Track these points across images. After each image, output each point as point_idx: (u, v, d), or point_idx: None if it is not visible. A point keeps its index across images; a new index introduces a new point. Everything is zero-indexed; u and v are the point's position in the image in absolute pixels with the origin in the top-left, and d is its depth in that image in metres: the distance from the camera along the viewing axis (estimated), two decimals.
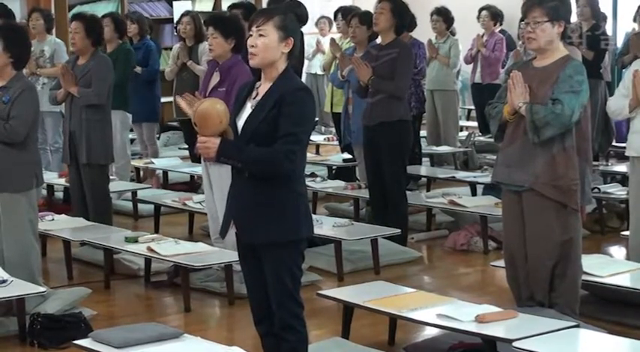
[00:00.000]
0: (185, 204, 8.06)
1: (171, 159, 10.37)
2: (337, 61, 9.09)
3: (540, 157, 5.26)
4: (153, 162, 9.99)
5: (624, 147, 6.49)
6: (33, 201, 5.96)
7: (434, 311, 5.03)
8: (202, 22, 9.60)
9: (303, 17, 4.33)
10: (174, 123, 11.96)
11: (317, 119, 12.41)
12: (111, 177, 8.24)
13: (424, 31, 10.68)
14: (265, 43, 4.12)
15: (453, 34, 11.36)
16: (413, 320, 5.15)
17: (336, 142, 10.86)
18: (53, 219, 7.37)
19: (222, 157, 4.11)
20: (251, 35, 4.17)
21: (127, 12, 12.66)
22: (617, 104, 6.23)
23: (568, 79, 5.20)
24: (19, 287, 5.58)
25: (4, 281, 5.58)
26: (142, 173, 10.36)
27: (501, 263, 5.77)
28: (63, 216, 7.55)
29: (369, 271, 7.01)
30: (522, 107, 5.22)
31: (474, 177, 9.21)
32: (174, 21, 12.92)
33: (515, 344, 4.46)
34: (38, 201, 6.27)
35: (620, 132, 10.65)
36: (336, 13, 11.14)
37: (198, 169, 8.85)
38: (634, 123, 6.22)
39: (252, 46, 4.14)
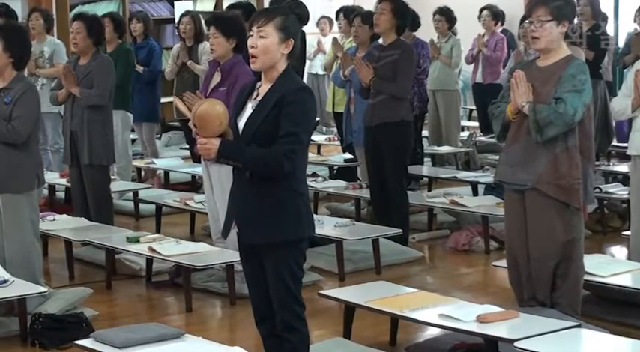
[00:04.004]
0: (186, 204, 8.06)
1: (172, 159, 10.38)
2: (339, 61, 9.10)
3: (543, 156, 5.26)
4: (154, 162, 10.00)
5: (626, 147, 6.49)
6: (34, 202, 5.96)
7: (435, 311, 5.03)
8: (202, 22, 9.62)
9: (303, 17, 4.32)
10: (176, 123, 11.97)
11: (318, 119, 12.42)
12: (112, 177, 8.25)
13: (426, 31, 10.68)
14: (265, 44, 4.12)
15: (455, 33, 11.37)
16: (414, 320, 5.15)
17: (338, 142, 10.87)
18: (55, 219, 7.37)
19: (223, 158, 4.12)
20: (251, 35, 4.17)
21: (130, 12, 12.67)
22: (621, 104, 6.24)
23: (571, 78, 5.20)
24: (20, 288, 5.59)
25: (5, 282, 5.59)
26: (143, 173, 10.36)
27: (503, 263, 5.77)
28: (64, 216, 7.55)
29: (370, 271, 7.01)
30: (525, 106, 5.22)
31: (476, 177, 9.21)
32: (176, 21, 12.92)
33: (516, 344, 4.46)
34: (40, 202, 6.27)
35: (621, 131, 10.64)
36: (337, 13, 11.16)
37: (199, 169, 8.84)
38: (636, 122, 6.22)
39: (253, 46, 4.14)
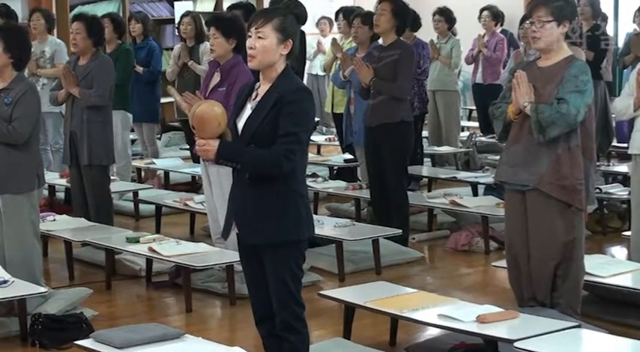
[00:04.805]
0: (186, 205, 8.06)
1: (172, 160, 10.38)
2: (338, 62, 9.10)
3: (545, 157, 5.26)
4: (154, 163, 10.00)
5: (626, 148, 6.49)
6: (34, 202, 5.96)
7: (435, 311, 5.03)
8: (203, 22, 9.63)
9: (302, 17, 4.32)
10: (176, 124, 11.98)
11: (318, 119, 12.43)
12: (112, 178, 8.25)
13: (426, 31, 10.68)
14: (264, 45, 4.12)
15: (455, 34, 11.37)
16: (414, 320, 5.15)
17: (338, 143, 10.87)
18: (54, 220, 7.37)
19: (222, 159, 4.12)
20: (250, 36, 4.17)
21: (130, 12, 12.67)
22: (623, 104, 6.25)
23: (573, 79, 5.20)
24: (20, 288, 5.58)
25: (5, 282, 5.58)
26: (143, 173, 10.37)
27: (503, 263, 5.77)
28: (64, 216, 7.55)
29: (370, 271, 7.01)
30: (527, 107, 5.22)
31: (475, 177, 9.21)
32: (176, 21, 12.93)
33: (516, 344, 4.46)
34: (40, 202, 6.27)
35: (621, 132, 10.65)
36: (337, 14, 11.16)
37: (199, 170, 8.85)
38: (637, 121, 6.23)
39: (251, 47, 4.14)
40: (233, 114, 4.25)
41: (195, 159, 9.86)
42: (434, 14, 11.19)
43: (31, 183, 5.89)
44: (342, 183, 8.88)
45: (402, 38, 7.56)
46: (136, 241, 6.65)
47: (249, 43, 4.15)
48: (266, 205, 4.14)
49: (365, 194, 8.19)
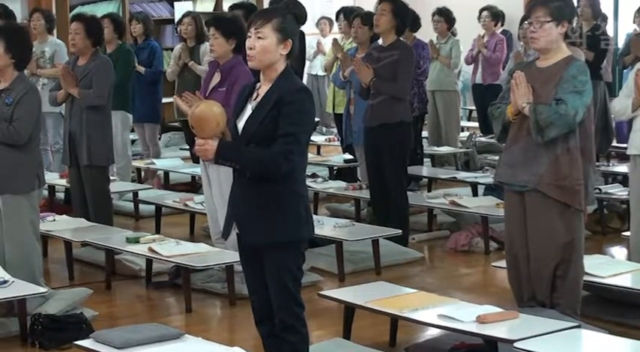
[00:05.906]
0: (186, 205, 8.06)
1: (172, 160, 10.38)
2: (339, 62, 9.10)
3: (544, 157, 5.26)
4: (154, 163, 10.00)
5: (626, 148, 6.50)
6: (34, 202, 5.96)
7: (435, 311, 5.03)
8: (203, 22, 9.63)
9: (301, 17, 4.32)
10: (176, 124, 11.98)
11: (318, 120, 12.44)
12: (112, 178, 8.25)
13: (426, 32, 10.68)
14: (263, 45, 4.12)
15: (454, 34, 11.37)
16: (414, 320, 5.15)
17: (338, 143, 10.88)
18: (54, 220, 7.37)
19: (221, 159, 4.13)
20: (250, 36, 4.17)
21: (130, 12, 12.68)
22: (622, 104, 6.25)
23: (571, 79, 5.20)
24: (20, 288, 5.59)
25: (5, 282, 5.58)
26: (143, 173, 10.37)
27: (503, 263, 5.77)
28: (64, 216, 7.55)
29: (370, 272, 7.01)
30: (526, 107, 5.22)
31: (475, 177, 9.21)
32: (175, 21, 12.93)
33: (516, 344, 4.46)
34: (39, 202, 6.27)
35: (621, 132, 10.65)
36: (337, 14, 11.17)
37: (199, 170, 8.85)
38: (636, 122, 6.23)
39: (251, 48, 4.15)
40: (234, 115, 4.25)
41: (195, 159, 9.86)
42: (433, 14, 11.19)
43: (32, 184, 5.89)
44: (342, 184, 8.89)
45: (401, 38, 7.57)
46: (136, 241, 6.65)
47: (248, 43, 4.15)
48: (266, 205, 4.14)
49: (365, 194, 8.19)
